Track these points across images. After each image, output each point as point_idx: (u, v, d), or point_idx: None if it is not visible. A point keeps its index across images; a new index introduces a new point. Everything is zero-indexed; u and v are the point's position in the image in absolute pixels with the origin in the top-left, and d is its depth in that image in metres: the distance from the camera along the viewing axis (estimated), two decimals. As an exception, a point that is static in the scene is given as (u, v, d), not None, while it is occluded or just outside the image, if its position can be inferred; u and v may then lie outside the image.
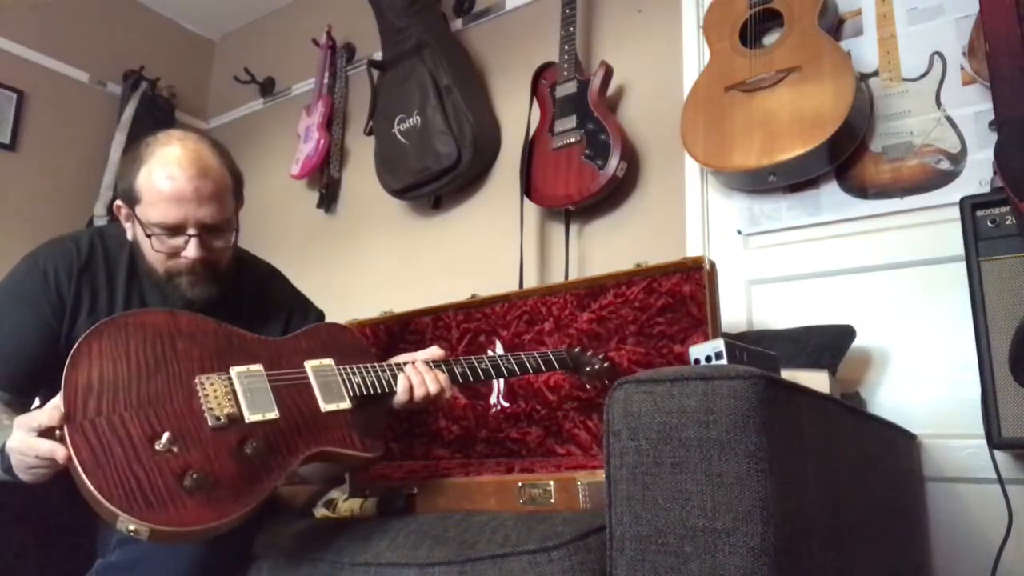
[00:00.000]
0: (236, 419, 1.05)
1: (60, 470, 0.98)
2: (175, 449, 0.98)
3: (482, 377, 1.29)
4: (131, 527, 0.91)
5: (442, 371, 1.24)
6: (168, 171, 1.19)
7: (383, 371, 1.22)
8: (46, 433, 0.97)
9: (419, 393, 1.21)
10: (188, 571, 1.06)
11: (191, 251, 1.22)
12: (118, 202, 1.27)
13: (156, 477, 0.95)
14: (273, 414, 1.09)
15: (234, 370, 1.11)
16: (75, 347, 1.03)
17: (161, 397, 1.04)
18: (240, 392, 1.09)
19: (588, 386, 1.41)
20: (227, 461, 1.01)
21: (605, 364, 1.38)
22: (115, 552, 1.09)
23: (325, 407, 1.15)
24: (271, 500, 1.09)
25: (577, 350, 1.39)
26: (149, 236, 1.21)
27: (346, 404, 1.17)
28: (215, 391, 1.07)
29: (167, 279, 1.25)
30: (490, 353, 1.30)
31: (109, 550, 1.11)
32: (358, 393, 1.19)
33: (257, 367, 1.14)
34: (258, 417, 1.07)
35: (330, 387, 1.18)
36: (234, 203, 1.28)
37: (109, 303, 1.28)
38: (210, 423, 1.03)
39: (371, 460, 1.20)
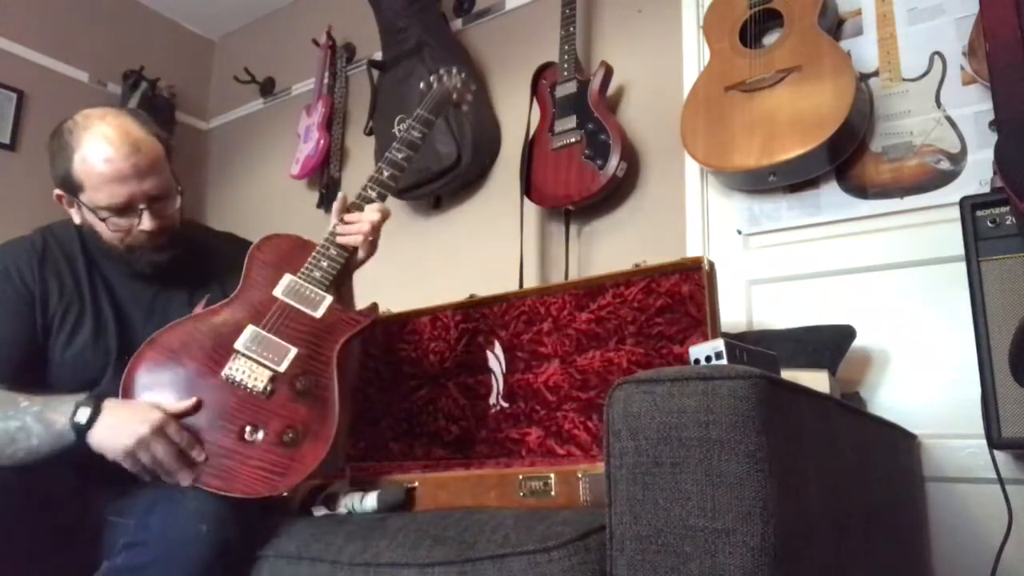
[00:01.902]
0: (275, 376, 1.22)
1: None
2: (261, 435, 1.17)
3: (392, 184, 1.42)
4: (284, 494, 1.17)
5: (361, 208, 1.37)
6: (103, 153, 1.22)
7: (327, 249, 1.35)
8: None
9: (370, 237, 1.35)
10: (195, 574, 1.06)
11: (146, 223, 1.27)
12: (58, 191, 1.30)
13: (269, 455, 1.16)
14: (293, 351, 1.24)
15: (238, 345, 1.24)
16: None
17: (216, 407, 1.18)
18: (258, 357, 1.23)
19: (464, 107, 1.61)
20: (296, 408, 1.21)
21: (463, 74, 1.58)
22: (121, 555, 1.09)
23: (319, 313, 1.29)
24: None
25: (436, 92, 1.55)
26: (103, 220, 1.26)
27: (329, 298, 1.31)
28: (242, 372, 1.21)
29: (128, 252, 1.30)
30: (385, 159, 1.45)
31: (115, 553, 1.11)
32: (328, 282, 1.32)
33: (250, 329, 1.26)
34: (287, 363, 1.23)
35: (308, 296, 1.31)
36: (169, 167, 1.32)
37: (76, 288, 1.31)
38: (263, 395, 1.20)
39: (376, 321, 1.37)
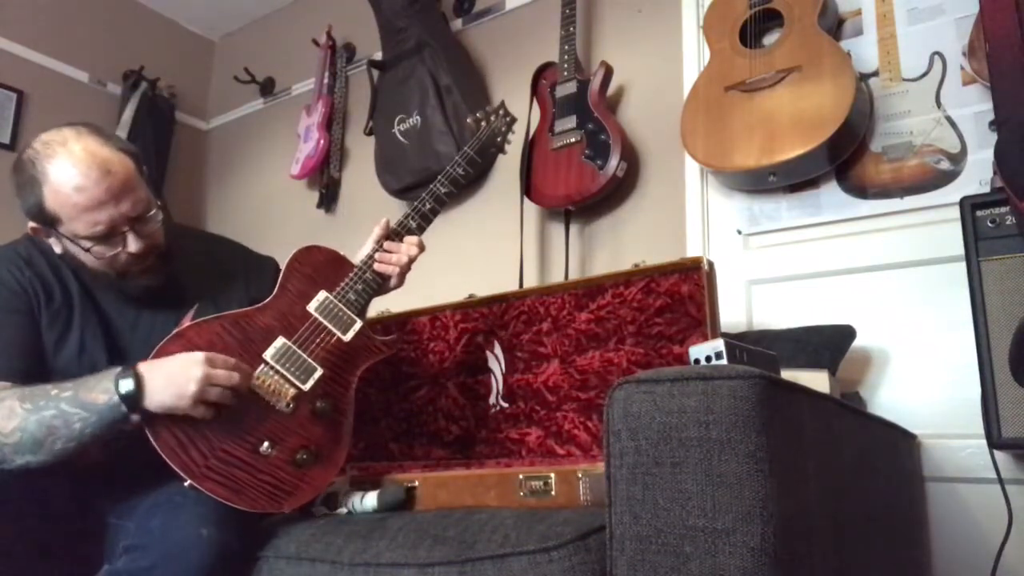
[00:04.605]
0: (298, 395, 1.22)
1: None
2: (275, 451, 1.18)
3: (431, 217, 1.44)
4: (286, 512, 1.20)
5: (399, 239, 1.38)
6: (73, 182, 1.14)
7: (364, 272, 1.36)
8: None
9: (406, 268, 1.36)
10: None
11: (132, 246, 1.21)
12: (33, 224, 1.23)
13: (279, 473, 1.18)
14: (319, 371, 1.25)
15: (267, 355, 1.23)
16: (148, 428, 1.12)
17: (235, 415, 1.17)
18: (286, 372, 1.23)
19: (505, 152, 1.60)
20: (313, 428, 1.23)
21: (508, 118, 1.57)
22: (121, 559, 1.08)
23: (347, 337, 1.30)
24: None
25: (484, 134, 1.52)
26: (86, 250, 1.20)
27: (359, 323, 1.32)
28: (268, 385, 1.21)
29: (120, 278, 1.25)
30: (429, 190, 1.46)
31: (115, 556, 1.10)
32: (360, 306, 1.33)
33: (281, 342, 1.25)
34: (312, 382, 1.24)
35: (340, 317, 1.31)
36: (144, 181, 1.24)
37: (64, 298, 1.26)
38: (284, 411, 1.21)
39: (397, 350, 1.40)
